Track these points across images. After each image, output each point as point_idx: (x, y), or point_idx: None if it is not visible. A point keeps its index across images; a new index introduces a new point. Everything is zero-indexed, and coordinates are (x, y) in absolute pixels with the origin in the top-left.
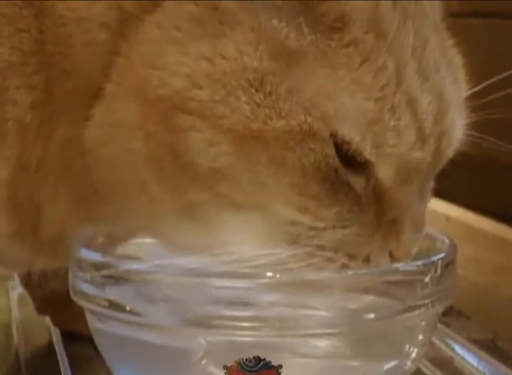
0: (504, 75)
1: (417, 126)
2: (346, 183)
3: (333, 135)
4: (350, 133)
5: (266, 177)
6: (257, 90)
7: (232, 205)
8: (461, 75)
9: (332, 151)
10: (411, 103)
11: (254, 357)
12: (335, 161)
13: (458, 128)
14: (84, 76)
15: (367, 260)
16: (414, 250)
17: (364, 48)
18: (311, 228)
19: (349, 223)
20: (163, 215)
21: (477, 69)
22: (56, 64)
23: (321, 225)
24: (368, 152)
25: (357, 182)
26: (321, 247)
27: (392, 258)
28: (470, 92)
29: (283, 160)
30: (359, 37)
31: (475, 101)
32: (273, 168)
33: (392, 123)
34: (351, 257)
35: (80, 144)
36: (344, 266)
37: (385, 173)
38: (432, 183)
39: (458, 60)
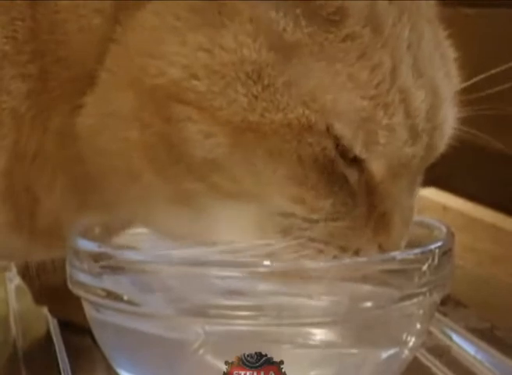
0: (493, 72)
1: (410, 123)
2: (342, 176)
3: (329, 129)
4: (343, 130)
5: (262, 169)
6: (255, 82)
7: (225, 195)
8: (453, 68)
9: (329, 143)
10: (405, 100)
11: (256, 353)
12: (332, 153)
13: (450, 122)
14: (79, 63)
15: (356, 253)
16: (403, 243)
17: (361, 43)
18: (305, 220)
19: (341, 216)
20: (155, 203)
21: (473, 59)
22: (51, 52)
23: (315, 217)
24: (358, 150)
25: (351, 175)
26: (312, 239)
27: (382, 251)
28: (466, 84)
29: (280, 152)
30: (356, 31)
31: (474, 92)
32: (270, 160)
33: (384, 121)
34: (342, 249)
35: (74, 133)
36: (335, 258)
37: (376, 167)
38: (421, 177)
39: (451, 53)
